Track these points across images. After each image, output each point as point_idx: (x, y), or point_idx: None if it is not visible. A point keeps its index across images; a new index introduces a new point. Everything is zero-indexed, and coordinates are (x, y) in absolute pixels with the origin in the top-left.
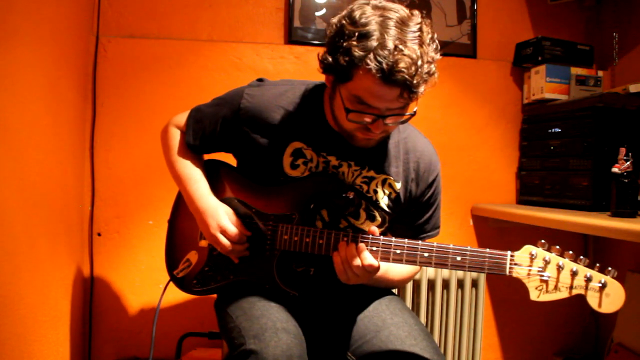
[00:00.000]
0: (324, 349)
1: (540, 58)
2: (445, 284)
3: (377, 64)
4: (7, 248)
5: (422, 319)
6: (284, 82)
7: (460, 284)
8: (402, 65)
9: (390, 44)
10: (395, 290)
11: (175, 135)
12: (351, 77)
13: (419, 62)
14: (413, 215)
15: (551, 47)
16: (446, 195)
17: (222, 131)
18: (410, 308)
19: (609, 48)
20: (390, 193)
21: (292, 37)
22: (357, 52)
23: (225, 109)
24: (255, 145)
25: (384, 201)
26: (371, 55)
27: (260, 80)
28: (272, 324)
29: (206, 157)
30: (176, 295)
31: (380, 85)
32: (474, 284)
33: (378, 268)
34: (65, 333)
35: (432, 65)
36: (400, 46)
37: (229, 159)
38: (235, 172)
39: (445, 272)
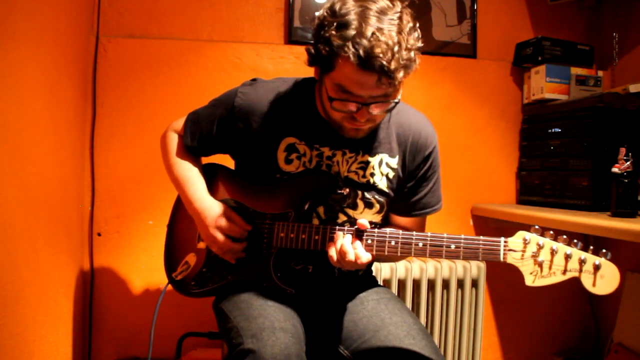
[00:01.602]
0: (323, 347)
1: (540, 58)
2: (445, 284)
3: (355, 51)
4: (7, 248)
5: (422, 319)
6: (276, 79)
7: (460, 284)
8: (377, 50)
9: (367, 32)
10: (394, 290)
11: (173, 139)
12: (333, 66)
13: (396, 48)
14: (415, 190)
15: (551, 47)
16: (446, 195)
17: (219, 131)
18: (410, 308)
19: (609, 48)
20: (388, 172)
21: (292, 37)
22: (336, 41)
23: (221, 109)
24: (250, 142)
25: (383, 183)
26: (349, 44)
27: (253, 80)
28: (269, 323)
29: (205, 160)
30: (176, 296)
31: (359, 72)
32: (474, 284)
33: (372, 260)
34: (65, 333)
35: (412, 53)
36: (377, 33)
37: (227, 162)
38: (233, 175)
39: (445, 272)
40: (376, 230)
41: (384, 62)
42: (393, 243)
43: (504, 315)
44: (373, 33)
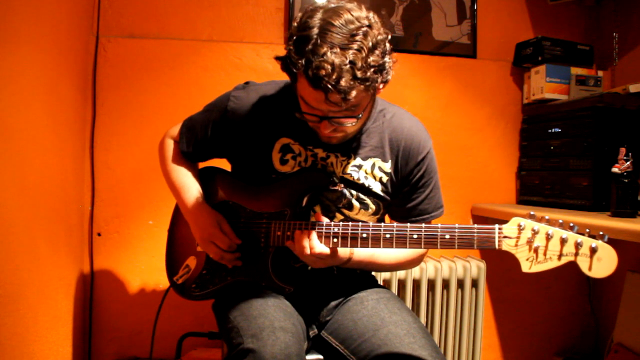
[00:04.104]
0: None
1: (540, 58)
2: (445, 284)
3: (305, 68)
4: (7, 248)
5: (422, 319)
6: (268, 82)
7: (460, 284)
8: (322, 72)
9: (320, 50)
10: (394, 291)
11: (170, 146)
12: (295, 79)
13: (345, 68)
14: (410, 196)
15: (551, 47)
16: (446, 195)
17: (213, 135)
18: (410, 308)
19: (609, 48)
20: (382, 177)
21: None
22: (294, 56)
23: (214, 114)
24: (245, 145)
25: (377, 187)
26: (303, 60)
27: (246, 83)
28: (269, 323)
29: (202, 164)
30: (176, 296)
31: (311, 89)
32: (474, 284)
33: (333, 255)
34: (66, 333)
35: (371, 70)
36: (329, 52)
37: (225, 166)
38: (230, 177)
39: (445, 272)
40: (371, 223)
41: (330, 84)
42: (388, 236)
43: (504, 315)
44: (324, 53)
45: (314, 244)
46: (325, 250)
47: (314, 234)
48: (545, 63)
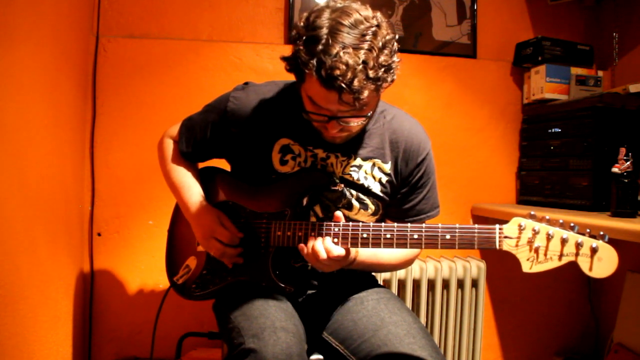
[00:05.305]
0: (323, 345)
1: (540, 58)
2: (445, 284)
3: (317, 68)
4: (7, 248)
5: (422, 319)
6: (268, 83)
7: (460, 284)
8: (337, 72)
9: (332, 50)
10: (394, 291)
11: (169, 146)
12: (303, 79)
13: (359, 68)
14: (408, 197)
15: (551, 47)
16: (446, 195)
17: (213, 136)
18: (410, 308)
19: (609, 48)
20: (381, 177)
21: None
22: (304, 57)
23: (214, 114)
24: (244, 146)
25: (376, 187)
26: (314, 60)
27: (245, 84)
28: (270, 323)
29: (202, 165)
30: (176, 296)
31: (322, 89)
32: (474, 284)
33: (347, 255)
34: (66, 333)
35: (382, 70)
36: (341, 53)
37: (225, 166)
38: (230, 177)
39: (445, 272)
40: (371, 224)
41: (344, 83)
42: (389, 236)
43: (504, 315)
44: (337, 53)
45: (330, 247)
46: (342, 252)
47: (328, 238)
48: (545, 63)
